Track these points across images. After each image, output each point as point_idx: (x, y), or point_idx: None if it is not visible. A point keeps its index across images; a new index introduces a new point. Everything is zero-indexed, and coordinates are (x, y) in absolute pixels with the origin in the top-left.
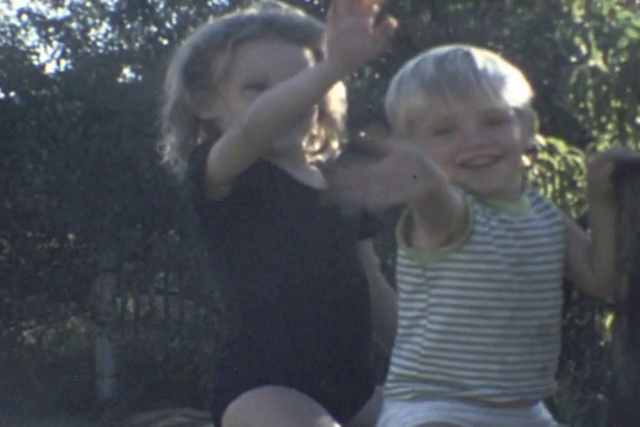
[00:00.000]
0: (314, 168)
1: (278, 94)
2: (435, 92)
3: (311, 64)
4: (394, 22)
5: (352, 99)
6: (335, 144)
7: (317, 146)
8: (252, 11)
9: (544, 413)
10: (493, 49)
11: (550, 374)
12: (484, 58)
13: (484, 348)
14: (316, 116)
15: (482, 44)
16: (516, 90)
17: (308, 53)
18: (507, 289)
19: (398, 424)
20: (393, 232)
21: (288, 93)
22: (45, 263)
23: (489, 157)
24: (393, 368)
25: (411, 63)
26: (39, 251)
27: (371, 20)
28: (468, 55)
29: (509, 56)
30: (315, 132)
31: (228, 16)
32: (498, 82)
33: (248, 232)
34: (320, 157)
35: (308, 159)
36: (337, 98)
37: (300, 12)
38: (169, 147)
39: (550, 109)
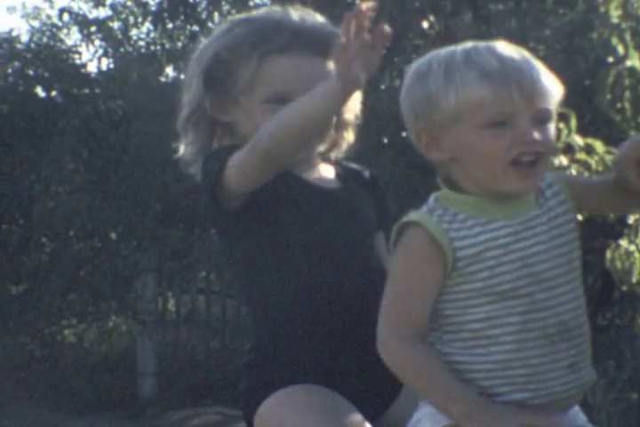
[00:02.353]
0: (327, 169)
1: (292, 115)
2: (501, 85)
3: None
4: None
5: (393, 97)
6: (344, 148)
7: (326, 146)
8: (275, 15)
9: (580, 417)
10: (535, 49)
11: (583, 367)
12: (527, 55)
13: (504, 356)
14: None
15: (523, 43)
16: (557, 90)
17: (331, 65)
18: (511, 296)
19: (431, 422)
20: None
21: (302, 115)
22: (87, 262)
23: (535, 155)
24: None
25: (447, 53)
26: (80, 250)
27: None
28: (519, 51)
29: (551, 56)
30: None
31: (250, 20)
32: (551, 81)
33: (265, 237)
34: (332, 155)
35: (323, 156)
36: (352, 105)
37: (320, 18)
38: (186, 148)
39: (591, 109)
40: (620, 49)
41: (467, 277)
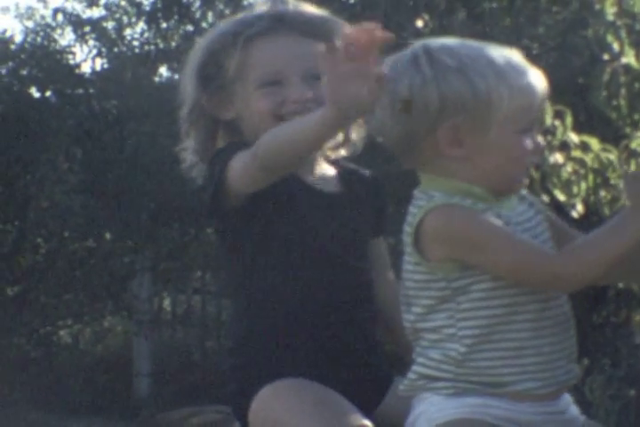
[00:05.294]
0: (328, 170)
1: (286, 134)
2: (538, 96)
3: None
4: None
5: None
6: (356, 141)
7: (338, 141)
8: (261, 8)
9: (572, 408)
10: (529, 47)
11: (575, 358)
12: None
13: (519, 343)
14: None
15: (517, 42)
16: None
17: (321, 46)
18: None
19: (428, 421)
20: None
21: (294, 137)
22: (82, 262)
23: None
24: (421, 369)
25: (483, 51)
26: (76, 250)
27: (373, 67)
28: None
29: (545, 54)
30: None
31: (237, 16)
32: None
33: (260, 237)
34: (342, 152)
35: (331, 155)
36: None
37: (310, 7)
38: (188, 150)
39: (586, 107)
40: (616, 46)
41: None
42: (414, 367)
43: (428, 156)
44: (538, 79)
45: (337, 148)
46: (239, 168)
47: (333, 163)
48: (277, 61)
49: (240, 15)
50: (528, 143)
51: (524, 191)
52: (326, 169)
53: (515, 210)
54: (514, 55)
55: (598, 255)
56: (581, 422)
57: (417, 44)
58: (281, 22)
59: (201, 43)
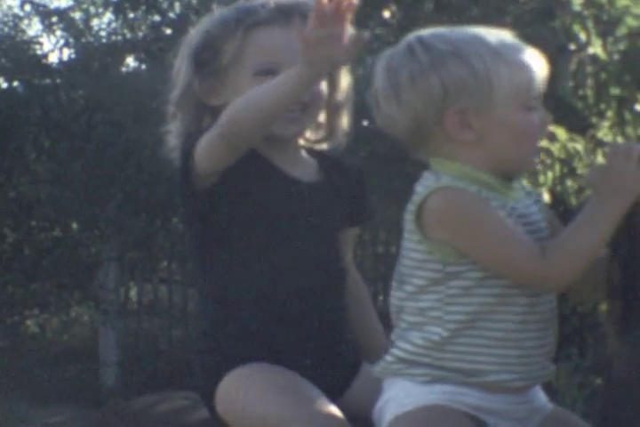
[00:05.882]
0: (307, 159)
1: (254, 98)
2: (540, 72)
3: None
4: (366, 34)
5: (354, 88)
6: (341, 133)
7: (322, 134)
8: None
9: (541, 396)
10: None
11: (552, 355)
12: None
13: (503, 334)
14: (323, 105)
15: None
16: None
17: None
18: None
19: (398, 406)
20: (396, 223)
21: (263, 98)
22: (49, 252)
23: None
24: (398, 352)
25: (474, 35)
26: (43, 240)
27: (346, 28)
28: None
29: None
30: (320, 120)
31: (239, 3)
32: None
33: (230, 221)
34: (325, 146)
35: (313, 147)
36: (343, 87)
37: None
38: (172, 134)
39: (553, 97)
40: (583, 36)
41: None
42: (392, 350)
43: (439, 143)
44: (534, 55)
45: (320, 141)
46: (205, 144)
47: (315, 152)
48: (276, 51)
49: (243, 2)
50: (534, 119)
51: (530, 187)
52: (305, 158)
53: (521, 202)
54: (505, 35)
55: (581, 253)
56: (549, 409)
57: (409, 36)
58: (282, 13)
59: (199, 27)
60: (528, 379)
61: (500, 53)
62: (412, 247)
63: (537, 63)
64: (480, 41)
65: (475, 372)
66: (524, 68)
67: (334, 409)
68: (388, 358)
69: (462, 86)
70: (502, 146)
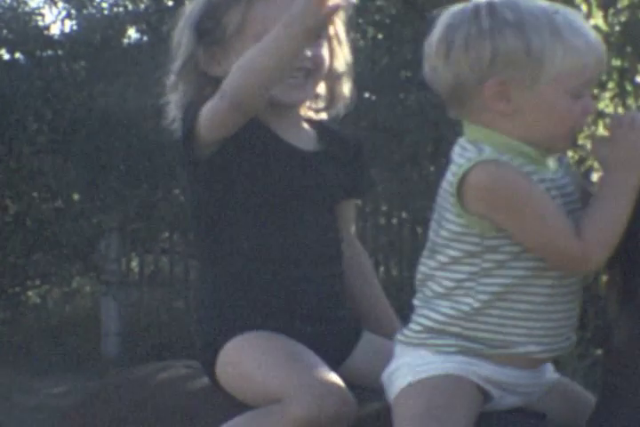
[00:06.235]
0: (308, 129)
1: (253, 59)
2: (600, 59)
3: None
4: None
5: (356, 59)
6: (341, 103)
7: (322, 104)
8: None
9: (549, 367)
10: None
11: (575, 327)
12: None
13: (533, 306)
14: (323, 73)
15: None
16: None
17: None
18: None
19: (412, 373)
20: (397, 195)
21: (260, 60)
22: (50, 223)
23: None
24: (426, 322)
25: (543, 9)
26: (44, 210)
27: None
28: None
29: None
30: (320, 90)
31: None
32: None
33: (231, 189)
34: (324, 115)
35: (313, 116)
36: (342, 58)
37: None
38: (173, 104)
39: None
40: (584, 7)
41: None
42: (419, 319)
43: (475, 107)
44: (596, 43)
45: (320, 110)
46: (208, 112)
47: (315, 123)
48: (278, 20)
49: None
50: (575, 107)
51: (566, 159)
52: (306, 128)
53: (557, 173)
54: (576, 16)
55: (612, 230)
56: (554, 380)
57: None
58: None
59: None
60: (553, 351)
61: (560, 34)
62: (451, 219)
63: (596, 51)
64: (547, 16)
65: (503, 343)
66: (580, 53)
67: (335, 377)
68: (415, 326)
69: (512, 58)
70: (535, 125)
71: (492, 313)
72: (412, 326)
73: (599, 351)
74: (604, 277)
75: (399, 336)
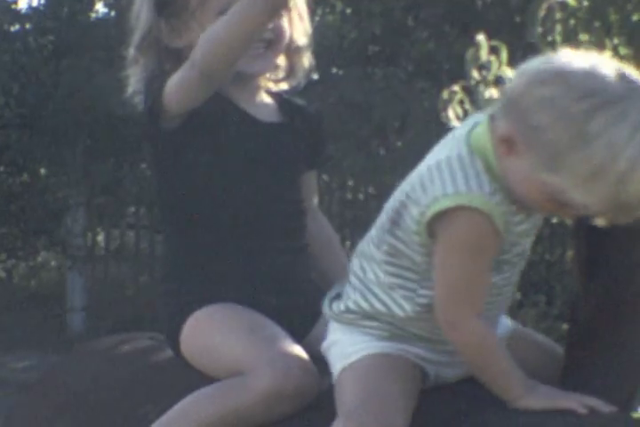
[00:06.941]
0: (268, 101)
1: (220, 32)
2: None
3: None
4: None
5: (324, 33)
6: (300, 74)
7: (282, 74)
8: None
9: (503, 320)
10: None
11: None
12: None
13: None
14: (284, 44)
15: None
16: None
17: None
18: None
19: (342, 357)
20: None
21: (230, 27)
22: (16, 197)
23: None
24: (358, 305)
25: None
26: (10, 185)
27: None
28: None
29: None
30: (280, 61)
31: None
32: None
33: (194, 161)
34: (284, 86)
35: (273, 87)
36: (302, 29)
37: None
38: (133, 78)
39: (523, 46)
40: None
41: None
42: (353, 301)
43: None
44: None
45: (280, 81)
46: (177, 82)
47: (276, 96)
48: None
49: None
50: (547, 204)
51: None
52: (267, 100)
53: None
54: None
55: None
56: (512, 328)
57: (560, 64)
58: None
59: None
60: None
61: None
62: (409, 228)
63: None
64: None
65: (439, 341)
66: (595, 200)
67: (298, 349)
68: (350, 305)
69: (567, 141)
70: (521, 192)
71: (426, 318)
72: (347, 303)
73: (565, 326)
74: (570, 253)
75: (328, 310)
